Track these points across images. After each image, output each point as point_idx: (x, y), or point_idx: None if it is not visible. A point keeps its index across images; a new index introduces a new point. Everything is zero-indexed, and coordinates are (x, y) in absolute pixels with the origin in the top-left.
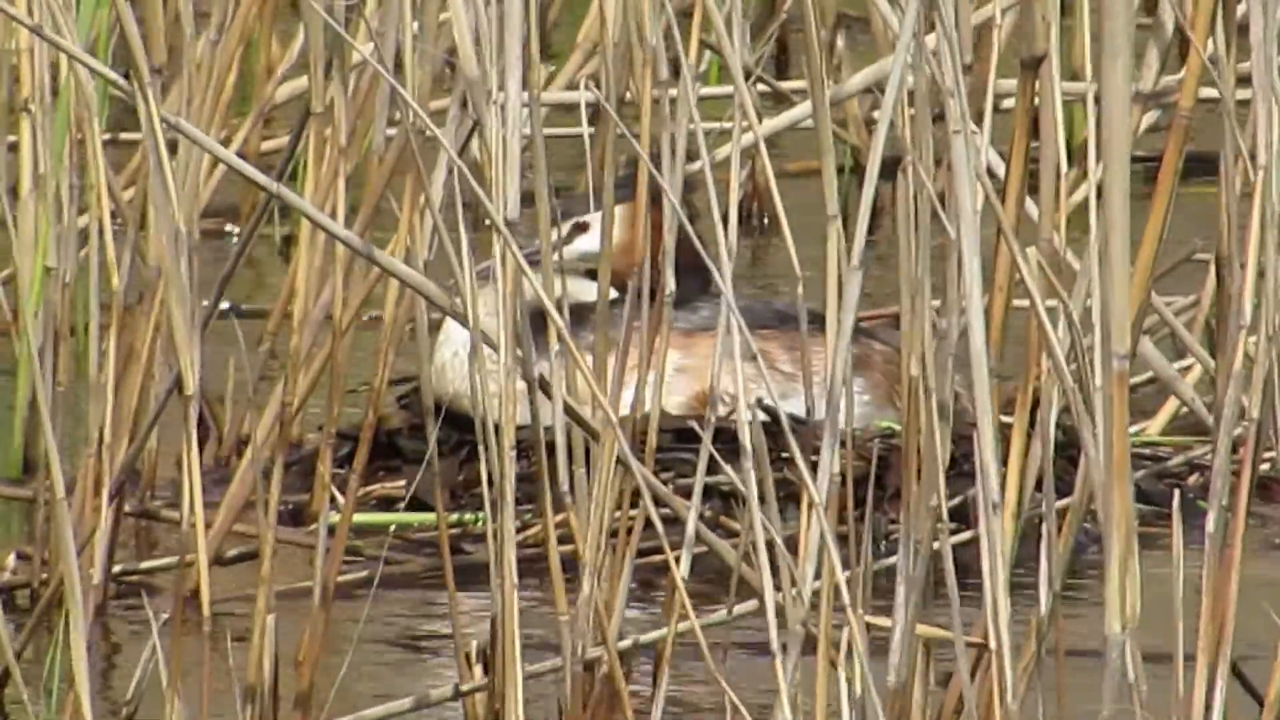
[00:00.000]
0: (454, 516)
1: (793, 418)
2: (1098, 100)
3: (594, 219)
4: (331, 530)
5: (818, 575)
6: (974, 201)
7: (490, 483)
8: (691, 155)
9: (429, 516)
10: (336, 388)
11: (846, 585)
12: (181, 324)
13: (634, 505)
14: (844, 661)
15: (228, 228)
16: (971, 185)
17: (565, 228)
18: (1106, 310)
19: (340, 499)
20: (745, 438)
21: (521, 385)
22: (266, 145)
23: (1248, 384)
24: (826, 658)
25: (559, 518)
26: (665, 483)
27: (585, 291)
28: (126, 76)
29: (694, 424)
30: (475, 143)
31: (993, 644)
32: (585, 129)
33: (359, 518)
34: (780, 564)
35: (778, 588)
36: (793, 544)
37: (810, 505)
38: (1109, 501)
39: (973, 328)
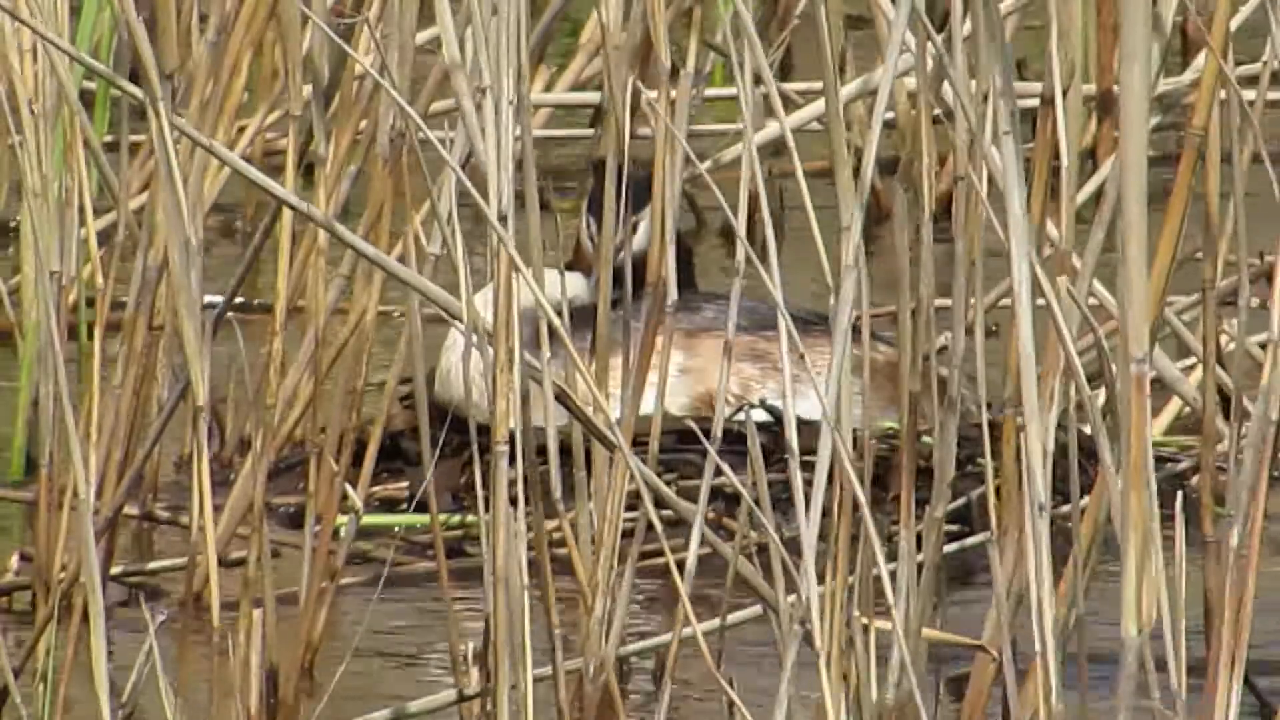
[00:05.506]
0: (456, 518)
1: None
2: (1093, 101)
3: (642, 216)
4: (337, 534)
5: (821, 579)
6: (1023, 203)
7: (486, 485)
8: (700, 156)
9: (429, 518)
10: (322, 390)
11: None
12: (192, 336)
13: (632, 508)
14: (849, 667)
15: (237, 224)
16: (1022, 188)
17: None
18: (1124, 314)
19: (354, 496)
20: (752, 441)
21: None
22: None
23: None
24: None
25: (555, 524)
26: (668, 484)
27: (584, 291)
28: (133, 80)
29: (693, 425)
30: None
31: (1038, 647)
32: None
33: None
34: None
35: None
36: (794, 546)
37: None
38: (1126, 505)
39: (1021, 330)
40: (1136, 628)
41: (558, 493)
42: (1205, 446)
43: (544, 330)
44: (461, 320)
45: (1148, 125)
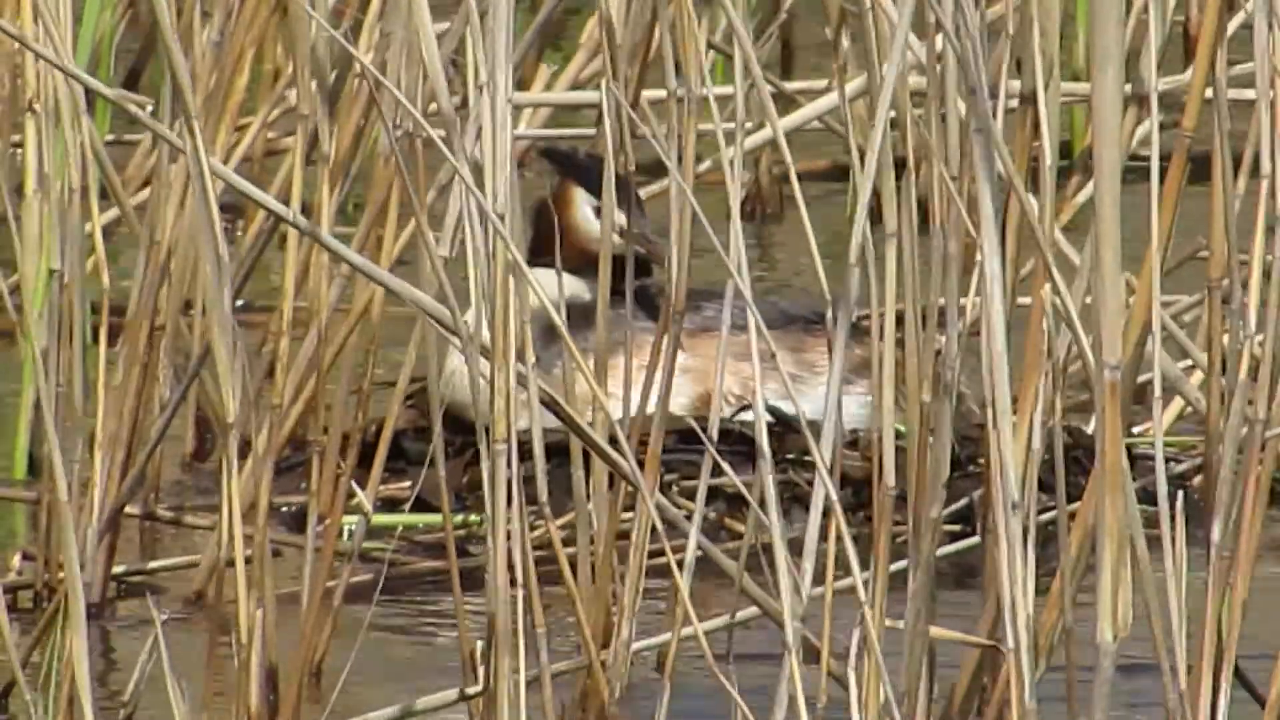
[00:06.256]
0: (458, 518)
1: (797, 419)
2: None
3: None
4: (340, 534)
5: (820, 580)
6: (996, 200)
7: (491, 484)
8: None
9: (434, 518)
10: (323, 388)
11: (862, 588)
12: (224, 355)
13: (631, 508)
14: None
15: (238, 227)
16: (993, 184)
17: None
18: (1097, 319)
19: (363, 497)
20: (760, 439)
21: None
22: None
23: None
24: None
25: (555, 522)
26: (670, 484)
27: (585, 292)
28: (129, 77)
29: (693, 423)
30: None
31: (1010, 644)
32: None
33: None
34: (783, 567)
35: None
36: (797, 546)
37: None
38: (1102, 510)
39: (994, 328)
40: (1113, 633)
41: (544, 495)
42: (1210, 447)
43: (530, 333)
44: (452, 330)
45: (1123, 130)
